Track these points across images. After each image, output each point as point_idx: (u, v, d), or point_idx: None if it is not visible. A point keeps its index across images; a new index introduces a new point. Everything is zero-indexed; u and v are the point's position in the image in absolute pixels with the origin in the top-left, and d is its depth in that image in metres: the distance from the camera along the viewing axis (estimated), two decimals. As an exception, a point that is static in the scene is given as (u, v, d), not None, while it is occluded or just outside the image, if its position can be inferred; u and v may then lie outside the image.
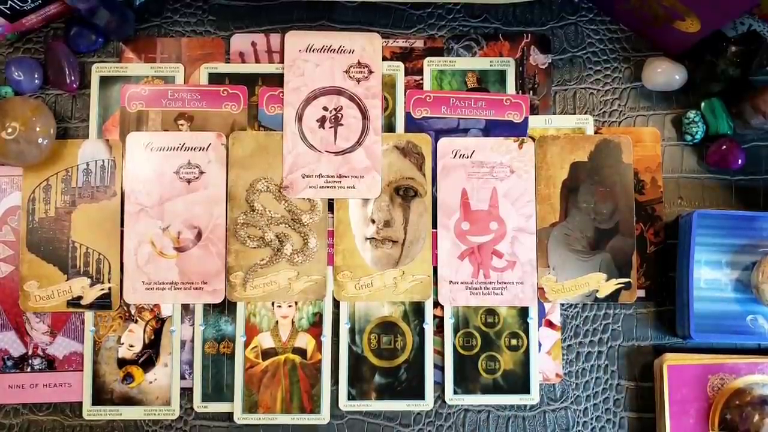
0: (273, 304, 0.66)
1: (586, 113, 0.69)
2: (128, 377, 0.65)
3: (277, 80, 0.68)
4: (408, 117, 0.68)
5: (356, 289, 0.66)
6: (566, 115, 0.69)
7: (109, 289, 0.66)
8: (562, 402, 0.67)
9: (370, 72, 0.68)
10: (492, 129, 0.68)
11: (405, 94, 0.68)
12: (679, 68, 0.68)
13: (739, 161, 0.67)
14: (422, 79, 0.69)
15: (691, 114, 0.68)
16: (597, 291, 0.66)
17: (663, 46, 0.69)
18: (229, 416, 0.65)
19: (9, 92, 0.67)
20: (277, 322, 0.66)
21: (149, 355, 0.66)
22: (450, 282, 0.66)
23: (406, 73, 0.69)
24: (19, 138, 0.63)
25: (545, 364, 0.67)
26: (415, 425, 0.66)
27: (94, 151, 0.67)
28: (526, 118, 0.68)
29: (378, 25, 0.70)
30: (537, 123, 0.68)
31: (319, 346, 0.66)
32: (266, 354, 0.66)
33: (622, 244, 0.67)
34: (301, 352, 0.66)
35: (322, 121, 0.67)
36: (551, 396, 0.67)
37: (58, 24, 0.69)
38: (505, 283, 0.66)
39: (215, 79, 0.68)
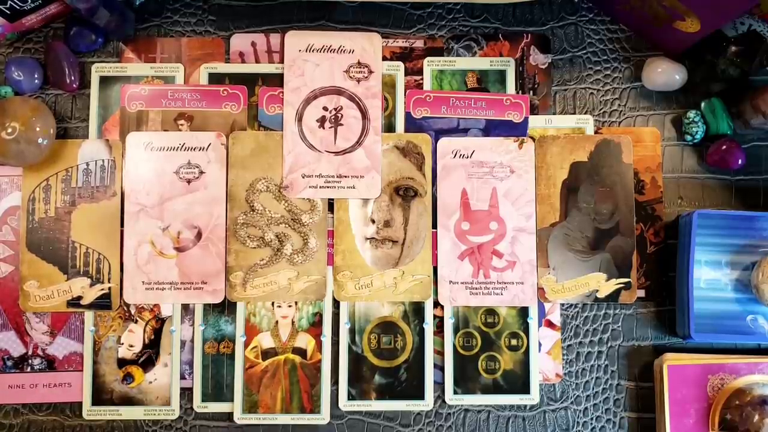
0: (273, 304, 0.66)
1: (586, 113, 0.69)
2: (128, 377, 0.65)
3: (277, 80, 0.68)
4: (408, 117, 0.68)
5: (356, 289, 0.66)
6: (566, 115, 0.69)
7: (109, 289, 0.66)
8: (562, 402, 0.67)
9: (370, 72, 0.68)
10: (492, 129, 0.68)
11: (405, 94, 0.68)
12: (679, 68, 0.68)
13: (739, 161, 0.67)
14: (422, 79, 0.69)
15: (691, 114, 0.68)
16: (597, 291, 0.66)
17: (663, 46, 0.69)
18: (229, 416, 0.65)
19: (9, 92, 0.67)
20: (277, 322, 0.66)
21: (149, 355, 0.66)
22: (450, 282, 0.66)
23: (406, 73, 0.69)
24: (19, 138, 0.63)
25: (545, 364, 0.67)
26: (415, 425, 0.66)
27: (94, 151, 0.67)
28: (526, 118, 0.68)
29: (378, 25, 0.70)
30: (537, 123, 0.68)
31: (319, 346, 0.66)
32: (266, 354, 0.66)
33: (622, 244, 0.67)
34: (301, 352, 0.66)
35: (322, 121, 0.67)
36: (551, 396, 0.67)
37: (58, 24, 0.69)
38: (505, 283, 0.66)
39: (215, 79, 0.68)
